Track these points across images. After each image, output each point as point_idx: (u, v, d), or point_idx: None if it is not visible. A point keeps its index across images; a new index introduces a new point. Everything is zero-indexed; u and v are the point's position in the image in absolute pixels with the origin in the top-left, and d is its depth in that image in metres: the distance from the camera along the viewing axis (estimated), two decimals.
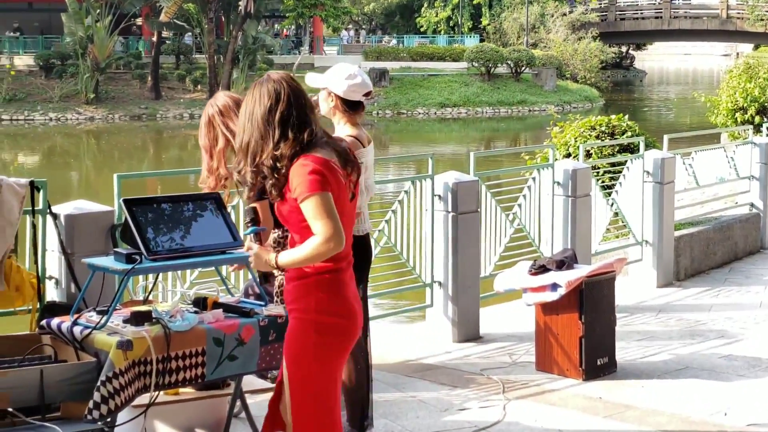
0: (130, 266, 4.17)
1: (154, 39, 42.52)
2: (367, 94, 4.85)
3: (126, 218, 4.27)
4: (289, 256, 3.57)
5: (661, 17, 56.25)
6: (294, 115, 3.57)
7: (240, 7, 40.16)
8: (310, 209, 3.48)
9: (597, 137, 10.11)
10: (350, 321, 3.66)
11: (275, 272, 4.61)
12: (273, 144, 3.54)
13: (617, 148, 9.83)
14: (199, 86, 41.74)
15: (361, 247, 4.82)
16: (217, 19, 42.71)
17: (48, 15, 46.35)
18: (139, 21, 46.19)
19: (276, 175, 3.55)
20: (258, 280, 4.80)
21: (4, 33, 44.66)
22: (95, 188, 23.15)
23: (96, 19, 40.08)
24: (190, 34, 45.44)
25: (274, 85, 3.60)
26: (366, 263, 4.95)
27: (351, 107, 4.81)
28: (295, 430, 3.68)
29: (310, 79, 4.79)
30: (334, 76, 4.78)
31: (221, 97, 5.01)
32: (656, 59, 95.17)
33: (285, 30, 52.23)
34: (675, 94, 58.68)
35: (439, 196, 7.05)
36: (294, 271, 3.64)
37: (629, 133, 10.07)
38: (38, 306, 4.88)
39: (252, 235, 3.80)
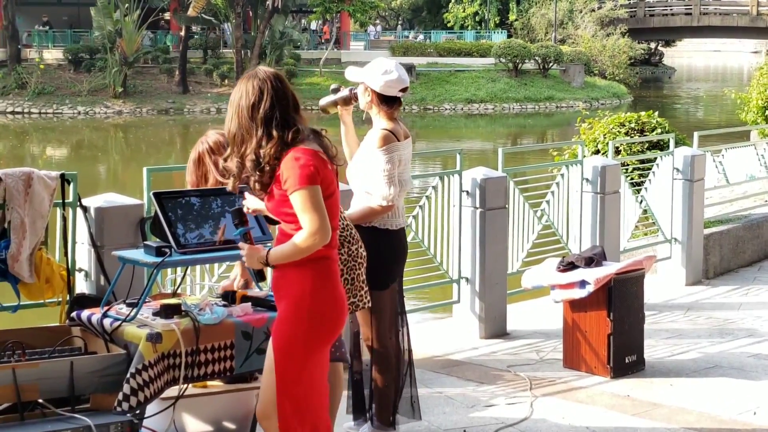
0: (159, 259, 4.19)
1: (182, 33, 42.58)
2: (403, 90, 4.85)
3: (156, 211, 4.29)
4: (279, 252, 3.64)
5: (691, 14, 55.87)
6: (278, 115, 3.62)
7: (267, 2, 40.26)
8: (299, 202, 3.57)
9: (626, 134, 10.05)
10: (340, 311, 3.73)
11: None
12: (256, 141, 3.62)
13: (647, 145, 9.78)
14: (226, 81, 41.72)
15: (397, 241, 4.87)
16: (245, 14, 42.83)
17: (77, 9, 46.48)
18: (167, 15, 46.28)
19: (259, 172, 3.62)
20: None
21: (33, 27, 44.82)
22: (123, 181, 23.28)
23: (124, 13, 40.22)
24: (218, 28, 45.52)
25: (259, 83, 3.65)
26: (401, 258, 4.97)
27: (387, 102, 4.83)
28: (280, 419, 3.69)
29: (350, 73, 4.93)
30: (371, 72, 4.82)
31: (212, 135, 4.83)
32: (685, 56, 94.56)
33: (326, 26, 51.97)
34: (704, 92, 58.28)
35: (467, 191, 7.03)
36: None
37: (659, 130, 10.01)
38: (68, 298, 4.90)
39: (241, 235, 3.79)
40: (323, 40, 50.84)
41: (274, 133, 3.60)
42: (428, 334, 7.14)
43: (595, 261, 6.43)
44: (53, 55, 42.93)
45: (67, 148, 32.00)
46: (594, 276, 6.25)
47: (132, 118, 38.74)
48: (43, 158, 28.25)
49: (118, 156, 30.64)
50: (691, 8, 56.03)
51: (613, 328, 6.28)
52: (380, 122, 4.86)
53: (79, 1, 45.14)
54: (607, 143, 8.91)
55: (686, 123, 36.47)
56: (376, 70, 4.81)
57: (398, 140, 4.84)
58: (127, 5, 40.20)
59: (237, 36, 41.16)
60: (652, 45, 68.33)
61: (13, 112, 39.06)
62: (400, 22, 53.91)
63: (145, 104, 40.25)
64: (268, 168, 3.61)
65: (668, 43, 74.29)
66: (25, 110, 39.28)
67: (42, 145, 32.55)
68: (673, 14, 56.97)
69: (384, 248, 4.82)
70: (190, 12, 39.99)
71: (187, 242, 4.28)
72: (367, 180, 4.81)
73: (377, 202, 4.76)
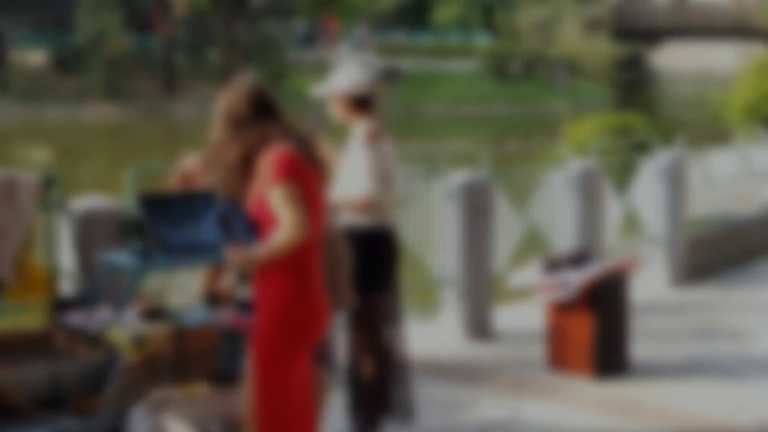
0: (143, 261, 4.18)
1: (168, 35, 42.17)
2: (371, 91, 4.77)
3: (140, 213, 4.28)
4: (263, 250, 3.62)
5: (675, 15, 56.06)
6: (247, 117, 3.72)
7: (254, 4, 40.05)
8: (277, 199, 3.59)
9: (610, 135, 10.11)
10: (318, 316, 3.71)
11: None
12: (231, 145, 3.71)
13: (630, 146, 9.83)
14: (212, 82, 41.47)
15: (389, 241, 4.79)
16: (230, 15, 42.48)
17: (61, 9, 45.82)
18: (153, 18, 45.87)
19: (234, 172, 3.71)
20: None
21: (17, 28, 44.26)
22: (108, 184, 23.02)
23: (110, 14, 40.02)
24: (204, 29, 45.10)
25: (234, 91, 3.79)
26: (394, 257, 4.85)
27: (361, 103, 4.74)
28: (262, 425, 3.67)
29: (316, 92, 4.85)
30: (335, 80, 4.77)
31: (190, 160, 4.91)
32: (669, 59, 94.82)
33: (331, 29, 51.48)
34: (688, 94, 58.45)
35: (453, 193, 7.03)
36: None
37: (643, 132, 10.07)
38: (51, 301, 4.88)
39: (226, 238, 3.75)
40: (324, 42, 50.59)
41: (245, 133, 3.68)
42: (412, 336, 7.10)
43: (580, 262, 6.45)
44: (37, 56, 42.46)
45: (51, 151, 31.68)
46: (578, 277, 6.26)
47: (117, 121, 38.41)
48: (28, 161, 28.01)
49: (104, 159, 30.35)
50: (675, 10, 56.20)
51: (598, 329, 6.28)
52: (360, 127, 4.76)
53: (64, 2, 44.49)
54: (592, 145, 8.94)
55: (670, 125, 36.54)
56: (339, 76, 4.76)
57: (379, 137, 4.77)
58: (112, 6, 40.02)
59: (222, 37, 40.82)
60: (637, 47, 68.41)
61: None
62: (384, 23, 53.71)
63: (130, 106, 39.95)
64: (236, 170, 3.68)
65: (652, 44, 74.45)
66: (9, 113, 38.72)
67: (26, 148, 32.21)
68: (657, 15, 57.13)
69: (376, 248, 4.73)
70: (176, 13, 39.72)
71: (172, 244, 4.27)
72: (350, 178, 4.70)
73: (359, 192, 4.64)
